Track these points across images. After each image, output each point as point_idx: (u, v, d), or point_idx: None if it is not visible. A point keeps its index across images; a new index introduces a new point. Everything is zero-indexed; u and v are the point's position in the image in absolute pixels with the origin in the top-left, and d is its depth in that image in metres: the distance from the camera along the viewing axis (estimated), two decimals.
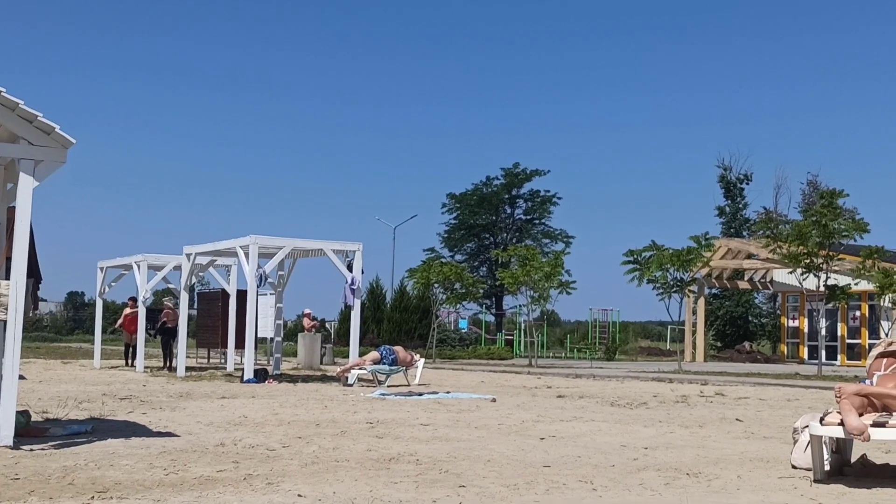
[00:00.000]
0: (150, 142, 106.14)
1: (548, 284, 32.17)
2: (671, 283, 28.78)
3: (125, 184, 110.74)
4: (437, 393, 15.75)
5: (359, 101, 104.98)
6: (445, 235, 61.57)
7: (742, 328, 51.13)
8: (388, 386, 17.85)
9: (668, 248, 28.87)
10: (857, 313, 36.86)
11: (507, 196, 61.30)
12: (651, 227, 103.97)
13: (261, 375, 19.21)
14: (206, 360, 30.56)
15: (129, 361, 26.41)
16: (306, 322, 31.41)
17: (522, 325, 46.06)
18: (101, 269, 27.19)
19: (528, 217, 61.72)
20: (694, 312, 40.93)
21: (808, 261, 26.33)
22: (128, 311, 27.16)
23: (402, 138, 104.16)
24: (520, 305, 46.81)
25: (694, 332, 40.94)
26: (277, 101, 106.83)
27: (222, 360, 29.46)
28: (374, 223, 79.93)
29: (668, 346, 54.87)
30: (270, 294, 27.42)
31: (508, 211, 61.99)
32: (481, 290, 43.26)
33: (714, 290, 50.17)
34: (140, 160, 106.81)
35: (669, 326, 58.14)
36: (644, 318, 74.83)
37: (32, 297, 27.06)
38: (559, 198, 61.05)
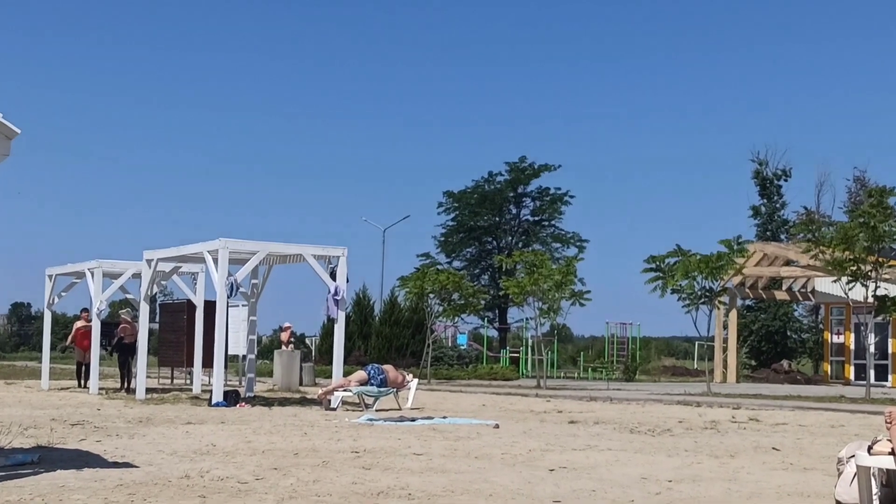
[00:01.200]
0: (106, 136, 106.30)
1: (558, 295, 32.14)
2: (699, 293, 28.78)
3: (78, 181, 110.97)
4: (432, 418, 15.73)
5: (341, 87, 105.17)
6: (442, 239, 61.60)
7: (779, 344, 51.14)
8: (377, 410, 17.83)
9: (695, 253, 28.88)
10: None
11: (512, 194, 61.34)
12: (675, 229, 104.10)
13: (231, 398, 19.20)
14: (169, 381, 30.51)
15: (82, 382, 26.36)
16: (284, 336, 31.40)
17: (529, 341, 45.98)
18: (50, 276, 27.17)
19: (536, 218, 61.76)
20: (725, 327, 40.89)
21: (854, 268, 26.31)
22: (80, 324, 27.11)
23: (391, 128, 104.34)
24: (526, 318, 46.79)
25: (725, 350, 40.90)
26: (249, 88, 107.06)
27: (187, 381, 29.38)
28: (360, 225, 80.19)
29: (695, 365, 54.80)
30: (243, 305, 27.34)
31: (514, 211, 62.04)
32: (483, 302, 43.29)
33: (748, 302, 50.12)
34: (95, 154, 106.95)
35: (697, 343, 58.00)
36: (668, 334, 75.02)
37: None
38: (571, 196, 61.19)
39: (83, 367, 26.51)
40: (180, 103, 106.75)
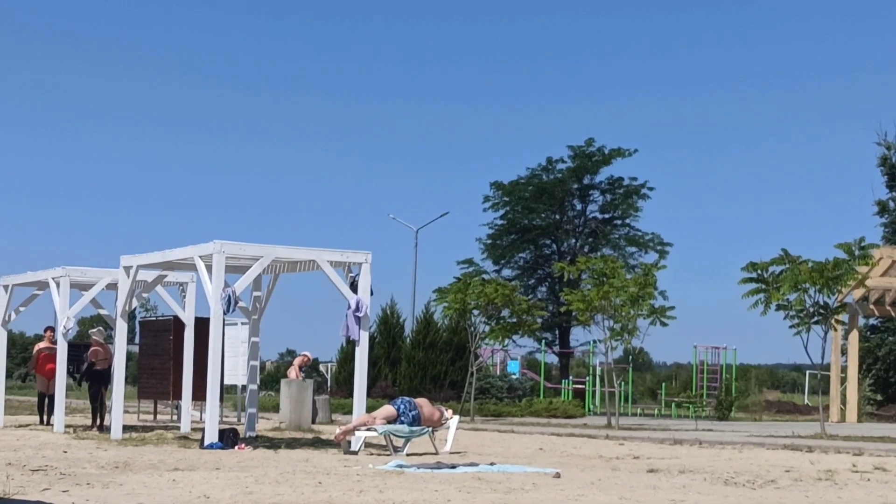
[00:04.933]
0: (75, 123, 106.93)
1: (634, 311, 32.02)
2: (811, 310, 28.58)
3: (41, 172, 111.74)
4: (476, 465, 15.71)
5: (364, 57, 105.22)
6: (488, 242, 61.53)
7: None
8: (408, 454, 17.82)
9: (806, 260, 28.68)
10: None
11: (576, 186, 61.19)
12: (781, 230, 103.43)
13: (228, 438, 19.26)
14: (151, 417, 30.68)
15: (45, 418, 26.54)
16: (299, 362, 31.45)
17: (598, 370, 45.85)
18: (6, 287, 27.40)
19: (607, 216, 61.57)
20: (843, 352, 40.56)
21: None
22: (42, 346, 27.29)
23: (424, 104, 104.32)
24: (594, 341, 46.67)
25: (843, 381, 40.57)
26: (253, 66, 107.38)
27: (174, 417, 29.53)
28: (387, 224, 79.97)
29: (805, 400, 54.44)
30: (242, 323, 27.49)
31: (578, 207, 61.89)
32: (539, 320, 43.20)
33: (872, 321, 49.71)
34: (61, 140, 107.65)
35: (808, 372, 57.62)
36: (771, 361, 74.77)
37: None
38: (650, 188, 60.83)
39: (46, 400, 26.67)
40: (165, 72, 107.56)
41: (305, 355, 32.52)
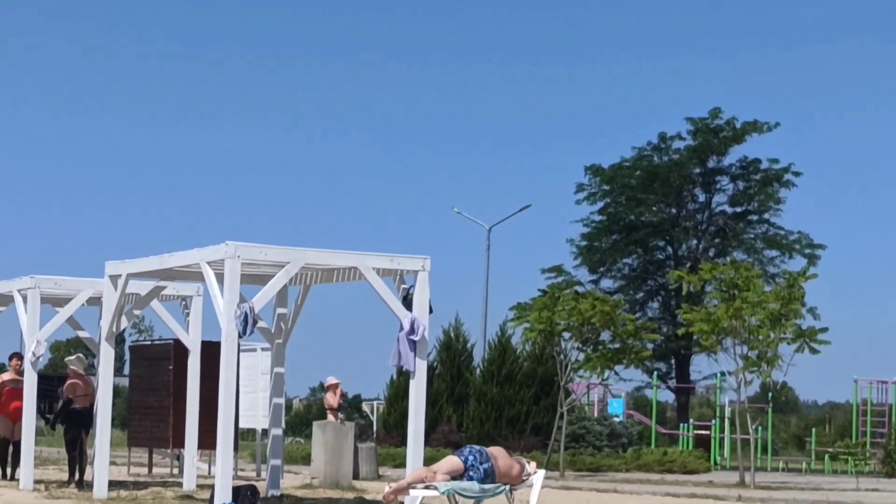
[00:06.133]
0: (49, 105, 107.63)
1: (776, 334, 31.84)
2: None
3: (4, 167, 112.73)
4: None
5: (416, 9, 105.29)
6: (583, 244, 61.54)
7: None
8: None
9: None
10: None
11: (698, 170, 61.07)
12: None
13: (245, 498, 19.34)
14: (145, 470, 30.82)
15: (9, 471, 26.70)
16: (329, 399, 31.52)
17: (727, 411, 45.60)
18: None
19: (739, 209, 61.41)
20: None
21: None
22: (6, 378, 27.45)
23: (496, 69, 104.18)
24: (722, 373, 46.43)
25: None
26: (267, 27, 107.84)
27: (175, 470, 29.65)
28: (451, 221, 79.86)
29: None
30: (263, 349, 27.53)
31: (701, 198, 61.74)
32: (650, 346, 43.10)
33: None
34: (31, 131, 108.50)
35: None
36: None
37: None
38: (796, 174, 60.62)
39: (11, 447, 26.81)
40: (156, 44, 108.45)
41: (333, 384, 32.35)
